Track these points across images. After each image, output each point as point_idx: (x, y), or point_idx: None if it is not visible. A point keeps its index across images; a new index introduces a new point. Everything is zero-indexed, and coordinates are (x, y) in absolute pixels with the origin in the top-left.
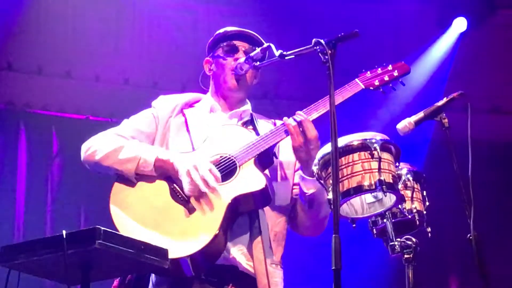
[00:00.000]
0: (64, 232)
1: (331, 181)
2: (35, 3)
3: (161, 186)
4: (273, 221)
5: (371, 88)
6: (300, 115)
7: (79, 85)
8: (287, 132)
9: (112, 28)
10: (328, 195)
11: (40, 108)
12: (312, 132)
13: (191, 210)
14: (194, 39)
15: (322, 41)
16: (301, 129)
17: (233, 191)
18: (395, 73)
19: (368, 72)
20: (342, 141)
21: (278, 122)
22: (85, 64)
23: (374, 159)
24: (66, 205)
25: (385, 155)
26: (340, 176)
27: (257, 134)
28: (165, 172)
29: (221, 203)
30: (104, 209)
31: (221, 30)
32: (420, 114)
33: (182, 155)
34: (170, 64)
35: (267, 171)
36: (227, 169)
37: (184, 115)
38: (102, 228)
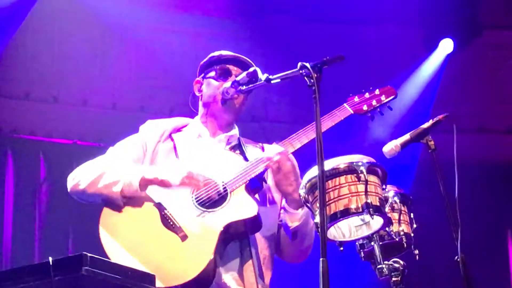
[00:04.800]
0: (50, 259)
1: (318, 205)
2: (21, 28)
3: (152, 212)
4: (262, 245)
5: (360, 113)
6: (276, 149)
7: (66, 110)
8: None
9: (99, 52)
10: (315, 218)
11: (27, 134)
12: (287, 166)
13: (183, 238)
14: (182, 62)
15: (307, 64)
16: (277, 165)
17: (225, 218)
18: (383, 98)
19: (356, 97)
20: (329, 164)
21: (266, 146)
22: (72, 89)
23: (360, 182)
24: (55, 230)
25: (372, 178)
26: (327, 200)
27: (245, 158)
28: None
29: (214, 230)
30: (93, 235)
31: (216, 53)
32: (406, 137)
33: (169, 168)
34: (157, 88)
35: (256, 195)
36: (218, 195)
37: (172, 140)
38: (89, 254)
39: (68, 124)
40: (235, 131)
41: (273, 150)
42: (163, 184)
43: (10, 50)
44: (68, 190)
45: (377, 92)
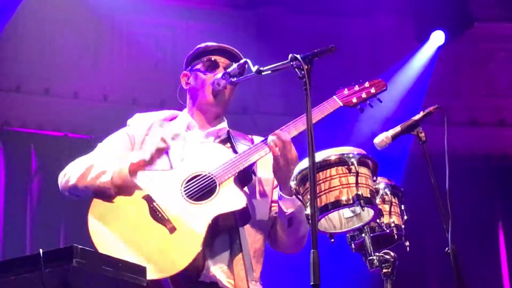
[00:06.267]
0: (41, 250)
1: (308, 196)
2: (13, 20)
3: (141, 204)
4: (252, 238)
5: (349, 105)
6: (282, 136)
7: (57, 102)
8: (266, 150)
9: (91, 45)
10: (306, 210)
11: (18, 126)
12: (293, 153)
13: (171, 230)
14: (173, 55)
15: (298, 56)
16: (284, 150)
17: (213, 211)
18: (372, 90)
19: (346, 90)
20: (320, 156)
21: (256, 138)
22: (63, 81)
23: (351, 174)
24: (46, 223)
25: (363, 170)
26: (317, 191)
27: (235, 151)
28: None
29: (202, 222)
30: (84, 227)
31: (202, 45)
32: (397, 128)
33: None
34: (149, 81)
35: (246, 188)
36: (207, 188)
37: None
38: (80, 246)
39: (59, 117)
40: (224, 124)
41: (278, 136)
42: (149, 163)
43: (1, 42)
44: (60, 188)
45: (366, 84)
